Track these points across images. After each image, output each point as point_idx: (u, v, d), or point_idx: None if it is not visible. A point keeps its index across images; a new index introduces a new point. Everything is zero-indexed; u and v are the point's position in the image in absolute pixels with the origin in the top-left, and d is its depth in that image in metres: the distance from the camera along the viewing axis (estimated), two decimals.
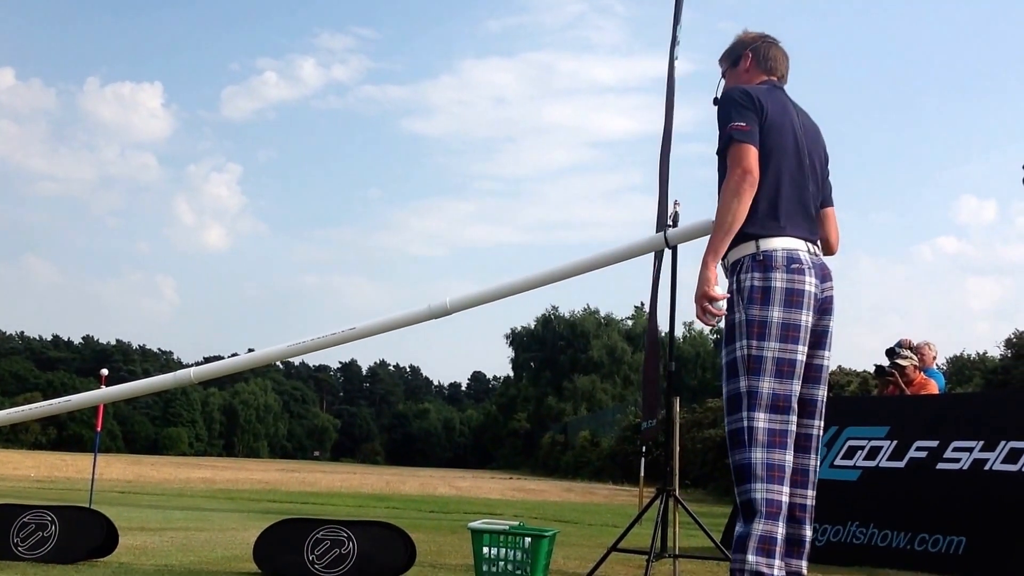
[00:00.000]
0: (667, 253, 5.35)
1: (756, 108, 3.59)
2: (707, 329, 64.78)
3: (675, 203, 5.24)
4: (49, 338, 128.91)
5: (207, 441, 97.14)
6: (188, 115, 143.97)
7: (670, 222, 5.17)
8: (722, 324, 3.56)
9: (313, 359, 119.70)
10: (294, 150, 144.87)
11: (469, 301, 5.13)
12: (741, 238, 3.54)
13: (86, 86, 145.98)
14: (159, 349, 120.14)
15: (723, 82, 3.94)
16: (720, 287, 3.48)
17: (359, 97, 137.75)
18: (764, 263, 3.49)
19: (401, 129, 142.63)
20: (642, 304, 74.25)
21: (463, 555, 6.03)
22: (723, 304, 3.50)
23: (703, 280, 3.47)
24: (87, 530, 5.15)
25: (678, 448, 5.36)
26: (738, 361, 3.44)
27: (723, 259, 3.63)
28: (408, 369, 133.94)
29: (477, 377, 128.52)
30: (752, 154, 3.52)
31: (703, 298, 3.46)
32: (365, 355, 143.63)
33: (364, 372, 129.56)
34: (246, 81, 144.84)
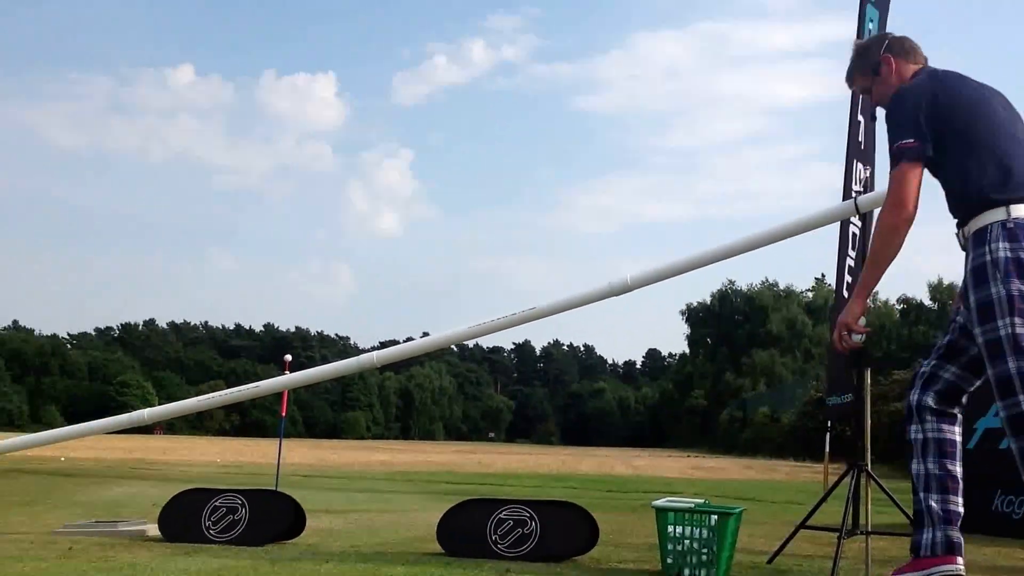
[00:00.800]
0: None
1: (925, 107, 3.38)
2: (892, 298, 62.87)
3: (865, 168, 5.00)
4: (231, 327, 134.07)
5: (384, 424, 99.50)
6: (360, 103, 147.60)
7: (860, 187, 4.93)
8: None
9: (487, 341, 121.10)
10: (464, 133, 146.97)
11: (649, 277, 5.02)
12: (987, 204, 3.32)
13: (262, 79, 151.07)
14: (336, 335, 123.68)
15: (870, 97, 3.77)
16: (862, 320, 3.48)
17: (528, 76, 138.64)
18: (1014, 232, 3.26)
19: (571, 106, 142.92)
20: (823, 276, 72.42)
21: (645, 534, 5.92)
22: (859, 338, 3.57)
23: (851, 312, 3.51)
24: (276, 513, 5.25)
25: (869, 422, 5.13)
26: (1003, 340, 3.21)
27: (961, 227, 3.44)
28: (582, 348, 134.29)
29: (652, 355, 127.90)
30: (915, 180, 3.35)
31: (844, 327, 3.52)
32: (539, 336, 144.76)
33: (538, 353, 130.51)
34: (416, 66, 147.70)
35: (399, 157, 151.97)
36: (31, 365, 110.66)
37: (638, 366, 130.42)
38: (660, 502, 4.65)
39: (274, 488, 7.25)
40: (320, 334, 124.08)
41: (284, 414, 9.86)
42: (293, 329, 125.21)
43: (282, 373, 7.84)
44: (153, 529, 5.26)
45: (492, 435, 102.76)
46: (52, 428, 9.25)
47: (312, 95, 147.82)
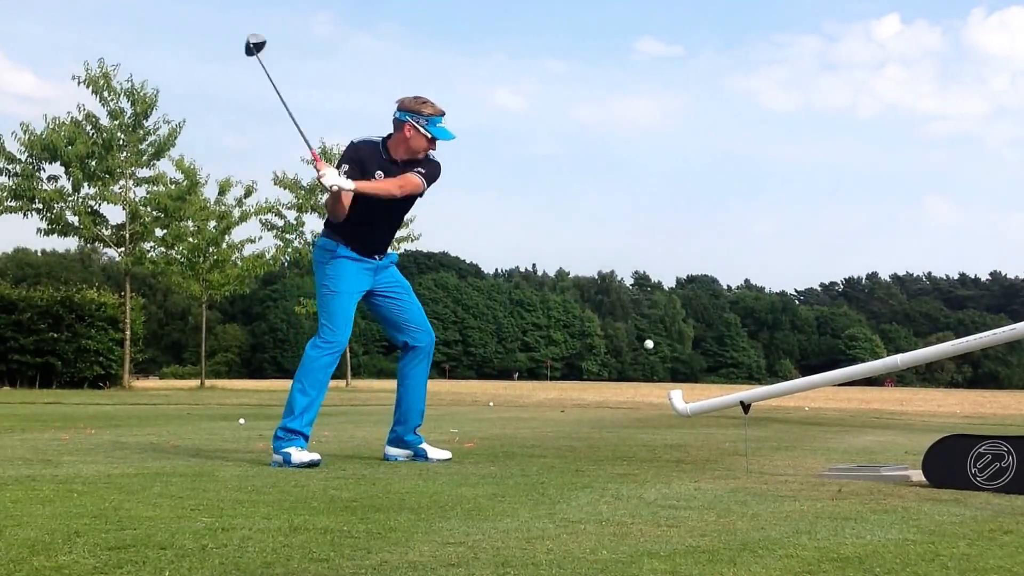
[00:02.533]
0: None
1: None
2: None
3: None
4: (956, 276, 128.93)
5: None
6: None
7: None
8: None
9: None
10: None
11: None
12: None
13: (970, 19, 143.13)
14: None
15: None
16: None
17: None
18: None
19: None
20: None
21: None
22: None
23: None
24: None
25: None
26: None
27: None
28: None
29: None
30: None
31: None
32: None
33: None
34: None
35: None
36: (764, 322, 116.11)
37: None
38: None
39: None
40: None
41: None
42: (1023, 276, 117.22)
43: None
44: (917, 475, 5.18)
45: None
46: (787, 380, 9.53)
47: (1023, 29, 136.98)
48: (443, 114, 5.66)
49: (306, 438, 5.61)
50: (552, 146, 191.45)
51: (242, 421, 10.21)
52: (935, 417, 16.51)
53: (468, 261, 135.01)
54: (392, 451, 5.99)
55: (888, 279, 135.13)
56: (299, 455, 5.45)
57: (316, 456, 5.51)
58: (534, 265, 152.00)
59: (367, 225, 5.72)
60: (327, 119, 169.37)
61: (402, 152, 5.65)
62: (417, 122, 5.58)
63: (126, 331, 29.17)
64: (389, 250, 6.00)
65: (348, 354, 41.15)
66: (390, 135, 5.72)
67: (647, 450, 7.01)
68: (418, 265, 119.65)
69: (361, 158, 5.63)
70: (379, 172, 5.61)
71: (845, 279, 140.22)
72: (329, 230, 5.84)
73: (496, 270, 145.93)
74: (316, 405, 5.72)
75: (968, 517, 3.77)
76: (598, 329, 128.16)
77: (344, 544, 2.96)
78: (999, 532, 3.38)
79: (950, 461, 4.99)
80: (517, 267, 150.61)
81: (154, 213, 30.41)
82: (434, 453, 5.93)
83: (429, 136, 5.61)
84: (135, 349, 30.67)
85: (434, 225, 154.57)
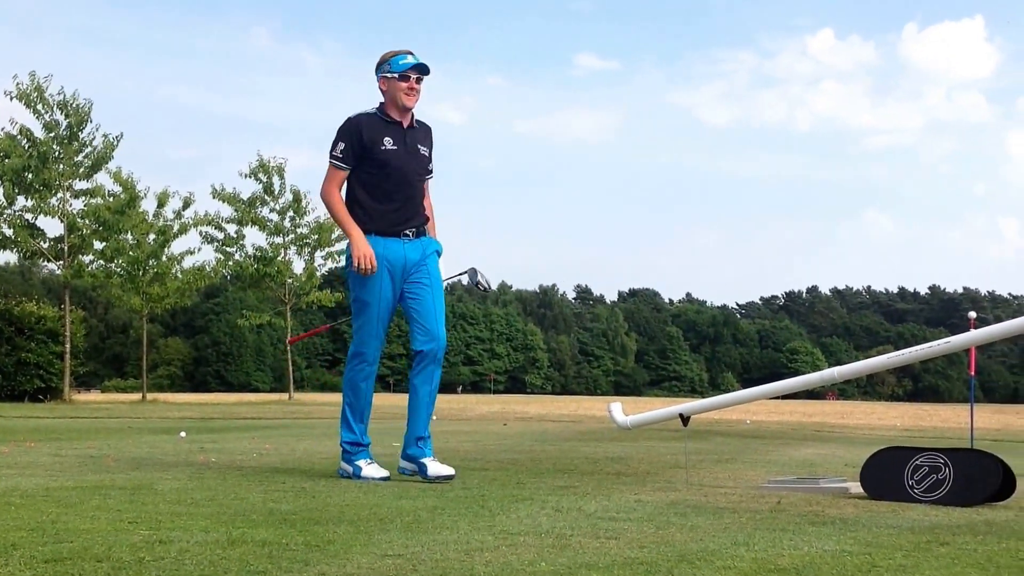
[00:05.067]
0: None
1: None
2: None
3: None
4: (895, 290, 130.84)
5: None
6: (1014, 46, 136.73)
7: None
8: None
9: None
10: None
11: None
12: None
13: (904, 33, 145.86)
14: (1009, 294, 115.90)
15: None
16: None
17: None
18: None
19: None
20: None
21: None
22: None
23: None
24: (982, 473, 4.98)
25: None
26: None
27: None
28: None
29: None
30: None
31: None
32: None
33: None
34: None
35: None
36: (706, 336, 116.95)
37: None
38: None
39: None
40: (991, 294, 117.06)
41: (974, 373, 9.36)
42: (960, 290, 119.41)
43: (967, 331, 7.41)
44: (855, 487, 5.24)
45: None
46: (730, 392, 9.61)
47: (958, 44, 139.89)
48: (407, 52, 5.54)
49: (366, 446, 5.59)
50: (494, 160, 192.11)
51: (183, 434, 10.10)
52: (875, 430, 16.74)
53: None
54: (401, 463, 5.67)
55: (828, 293, 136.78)
56: (369, 470, 5.45)
57: (386, 473, 5.45)
58: None
59: (385, 200, 5.54)
60: (264, 132, 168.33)
61: (394, 109, 5.53)
62: (385, 73, 5.50)
63: (66, 344, 28.76)
64: (428, 237, 5.72)
65: (291, 367, 40.84)
66: (382, 103, 5.62)
67: (589, 463, 7.03)
68: None
69: (360, 131, 5.48)
70: (387, 138, 5.50)
71: (786, 293, 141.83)
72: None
73: None
74: (363, 416, 5.64)
75: (905, 529, 3.82)
76: (541, 343, 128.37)
77: (282, 556, 2.93)
78: (935, 544, 3.43)
79: (888, 473, 5.05)
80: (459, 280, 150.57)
81: (93, 226, 30.06)
82: (434, 469, 5.46)
83: (396, 75, 5.47)
84: (76, 362, 30.24)
85: None
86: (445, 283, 5.81)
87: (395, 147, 5.53)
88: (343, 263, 5.67)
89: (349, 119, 5.55)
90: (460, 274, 6.21)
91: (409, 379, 5.66)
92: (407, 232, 5.57)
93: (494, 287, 5.80)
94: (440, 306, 5.60)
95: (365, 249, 5.41)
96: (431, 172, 5.77)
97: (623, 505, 4.40)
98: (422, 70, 5.52)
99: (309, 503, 4.26)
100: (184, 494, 4.54)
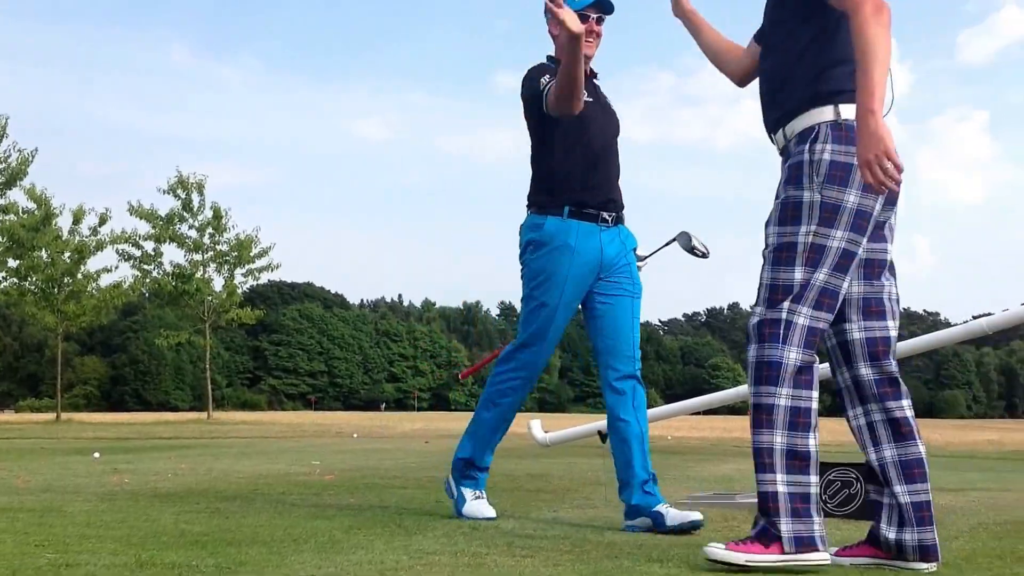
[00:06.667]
0: None
1: None
2: None
3: None
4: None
5: (987, 403, 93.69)
6: (926, 66, 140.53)
7: None
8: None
9: None
10: None
11: None
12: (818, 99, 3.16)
13: None
14: (924, 311, 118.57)
15: None
16: None
17: None
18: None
19: None
20: None
21: None
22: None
23: (882, 132, 2.92)
24: None
25: None
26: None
27: (781, 126, 3.36)
28: None
29: None
30: None
31: (884, 156, 2.92)
32: None
33: None
34: (983, 21, 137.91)
35: (972, 120, 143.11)
36: None
37: None
38: None
39: None
40: (907, 310, 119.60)
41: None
42: None
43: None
44: None
45: None
46: (652, 408, 9.68)
47: None
48: None
49: (483, 471, 4.63)
50: (417, 176, 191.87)
51: (96, 455, 9.89)
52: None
53: (333, 292, 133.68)
54: (627, 523, 4.34)
55: (749, 309, 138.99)
56: (473, 506, 4.49)
57: (492, 513, 4.45)
58: (400, 296, 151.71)
59: (589, 169, 4.29)
60: (184, 148, 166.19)
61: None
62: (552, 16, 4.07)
63: None
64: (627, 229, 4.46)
65: (209, 385, 40.25)
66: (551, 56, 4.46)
67: (508, 480, 7.03)
68: (282, 296, 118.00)
69: (546, 75, 4.24)
70: None
71: (707, 309, 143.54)
72: (535, 193, 4.40)
73: (362, 300, 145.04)
74: (494, 433, 4.69)
75: None
76: (465, 360, 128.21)
77: None
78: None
79: None
80: (383, 297, 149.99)
81: (6, 243, 29.44)
82: (676, 517, 4.20)
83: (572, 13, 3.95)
84: None
85: (298, 255, 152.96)
86: (652, 255, 4.99)
87: (591, 99, 4.33)
88: (520, 239, 4.39)
89: (532, 68, 4.37)
90: (670, 241, 5.37)
91: (608, 414, 4.48)
92: (605, 217, 4.32)
93: (706, 250, 5.05)
94: (630, 321, 4.40)
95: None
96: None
97: (540, 523, 4.41)
98: (604, 7, 4.31)
99: (222, 524, 4.19)
100: (94, 516, 4.44)
